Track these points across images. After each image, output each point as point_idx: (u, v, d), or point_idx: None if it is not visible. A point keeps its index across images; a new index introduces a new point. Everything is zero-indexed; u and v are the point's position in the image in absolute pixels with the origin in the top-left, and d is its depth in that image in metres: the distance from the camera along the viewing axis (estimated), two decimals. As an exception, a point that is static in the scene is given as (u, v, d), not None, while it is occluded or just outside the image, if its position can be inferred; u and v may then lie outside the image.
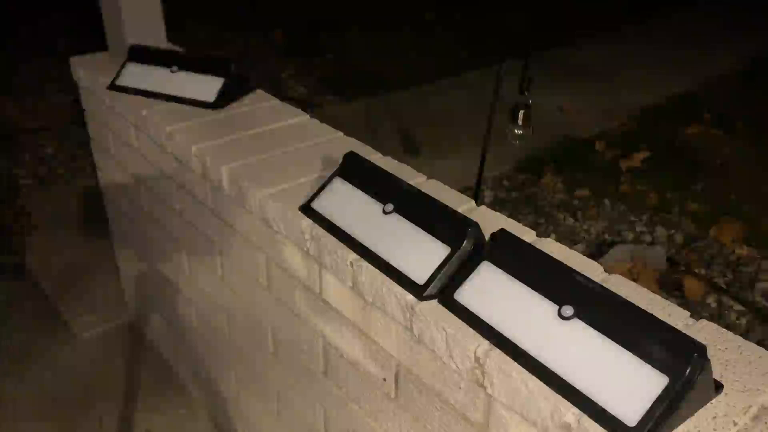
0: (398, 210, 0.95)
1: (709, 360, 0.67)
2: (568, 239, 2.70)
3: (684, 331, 0.69)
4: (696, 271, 2.49)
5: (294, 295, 1.14)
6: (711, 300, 2.36)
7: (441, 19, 5.42)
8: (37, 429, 1.74)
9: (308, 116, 1.38)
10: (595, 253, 2.61)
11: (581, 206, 2.91)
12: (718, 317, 2.28)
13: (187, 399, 1.83)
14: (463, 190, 1.12)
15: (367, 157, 1.05)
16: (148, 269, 1.79)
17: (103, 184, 1.89)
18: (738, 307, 2.32)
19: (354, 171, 1.01)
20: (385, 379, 0.99)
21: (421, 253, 0.89)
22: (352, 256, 0.95)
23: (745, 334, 2.16)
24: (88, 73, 1.65)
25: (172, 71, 1.46)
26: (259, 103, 1.46)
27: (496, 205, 2.88)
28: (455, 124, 3.57)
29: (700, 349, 0.67)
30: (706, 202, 2.93)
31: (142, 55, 1.52)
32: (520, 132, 1.76)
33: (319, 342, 1.13)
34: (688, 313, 0.82)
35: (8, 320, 2.10)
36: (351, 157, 1.02)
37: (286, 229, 1.07)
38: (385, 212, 0.95)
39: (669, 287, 2.42)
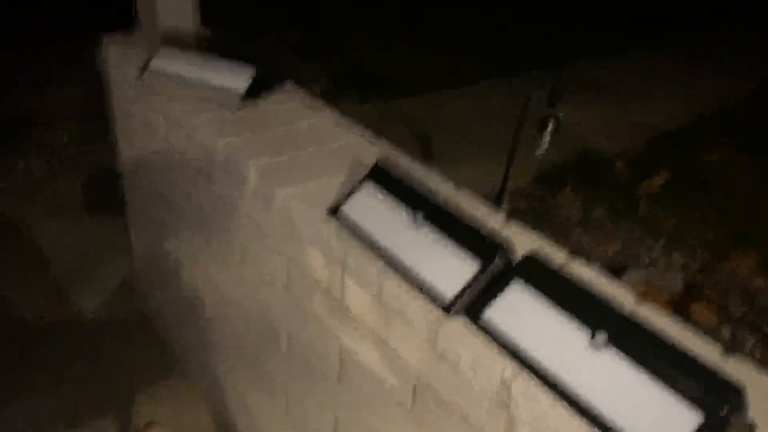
0: (428, 222, 0.93)
1: (745, 401, 0.65)
2: (583, 259, 2.67)
3: (718, 368, 0.67)
4: (711, 299, 2.46)
5: (313, 298, 1.13)
6: (725, 330, 2.33)
7: (461, 28, 5.40)
8: (45, 405, 1.74)
9: (337, 115, 1.37)
10: (609, 275, 2.58)
11: (598, 226, 2.88)
12: (731, 347, 2.25)
13: (192, 390, 1.82)
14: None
15: (397, 164, 1.04)
16: (162, 259, 1.78)
17: (123, 170, 1.88)
18: (753, 337, 2.29)
19: (384, 178, 0.99)
20: (401, 390, 0.97)
21: (450, 268, 0.88)
22: (378, 264, 0.94)
23: (759, 367, 2.13)
24: (118, 54, 1.64)
25: (203, 61, 1.45)
26: (288, 98, 1.45)
27: (512, 219, 2.85)
28: (468, 133, 3.56)
29: (738, 390, 0.65)
30: (724, 229, 2.90)
31: (174, 41, 1.52)
32: (547, 146, 1.74)
33: (335, 346, 1.11)
34: (720, 349, 0.80)
35: (18, 305, 2.10)
36: (382, 165, 1.00)
37: (311, 232, 1.06)
38: (414, 223, 0.94)
39: (682, 314, 2.39)
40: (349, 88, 4.04)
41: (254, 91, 1.40)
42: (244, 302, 1.39)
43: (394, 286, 0.91)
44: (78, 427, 1.71)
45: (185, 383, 1.84)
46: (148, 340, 1.99)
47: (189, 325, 1.74)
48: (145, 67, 1.50)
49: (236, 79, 1.40)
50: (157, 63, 1.49)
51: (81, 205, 2.65)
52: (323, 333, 1.13)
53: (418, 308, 0.88)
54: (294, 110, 1.40)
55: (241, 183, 1.24)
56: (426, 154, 3.32)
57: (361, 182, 1.02)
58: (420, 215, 0.93)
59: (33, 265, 2.30)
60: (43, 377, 1.84)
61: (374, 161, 1.01)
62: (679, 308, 2.41)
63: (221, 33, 1.63)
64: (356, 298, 1.01)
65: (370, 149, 1.23)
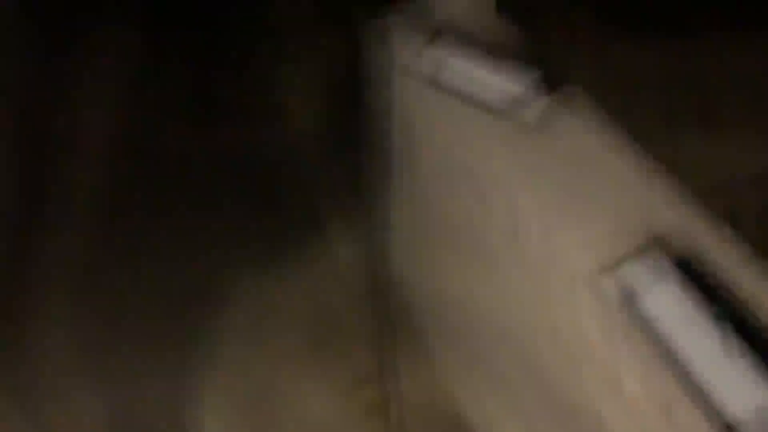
0: (735, 333, 0.83)
1: None
2: None
3: None
4: None
5: (576, 350, 1.09)
6: None
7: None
8: (295, 335, 1.90)
9: (632, 151, 1.16)
10: None
11: None
12: None
13: (424, 367, 1.83)
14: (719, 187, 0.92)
15: (702, 255, 0.92)
16: (418, 243, 1.81)
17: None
18: None
19: (685, 269, 0.90)
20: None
21: (746, 394, 0.79)
22: (664, 362, 0.87)
23: None
24: (389, 33, 1.61)
25: (472, 64, 1.38)
26: (572, 111, 1.26)
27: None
28: (749, 94, 2.97)
29: None
30: None
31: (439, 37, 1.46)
32: None
33: (589, 408, 1.08)
34: None
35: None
36: (685, 257, 0.91)
37: (589, 290, 1.01)
38: (719, 334, 0.84)
39: None
40: (624, 21, 3.49)
41: (532, 98, 1.29)
42: (492, 312, 1.41)
43: (681, 393, 0.85)
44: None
45: (418, 354, 1.85)
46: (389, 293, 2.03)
47: (435, 310, 1.81)
48: (405, 64, 1.45)
49: (513, 81, 1.31)
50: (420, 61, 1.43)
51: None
52: (581, 390, 1.10)
53: (706, 427, 0.81)
54: (577, 129, 1.24)
55: (505, 209, 1.21)
56: (705, 121, 2.85)
57: (655, 264, 0.93)
58: (726, 325, 0.84)
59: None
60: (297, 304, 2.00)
61: (678, 251, 0.91)
62: None
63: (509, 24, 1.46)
64: (630, 379, 0.96)
65: (666, 212, 1.05)
